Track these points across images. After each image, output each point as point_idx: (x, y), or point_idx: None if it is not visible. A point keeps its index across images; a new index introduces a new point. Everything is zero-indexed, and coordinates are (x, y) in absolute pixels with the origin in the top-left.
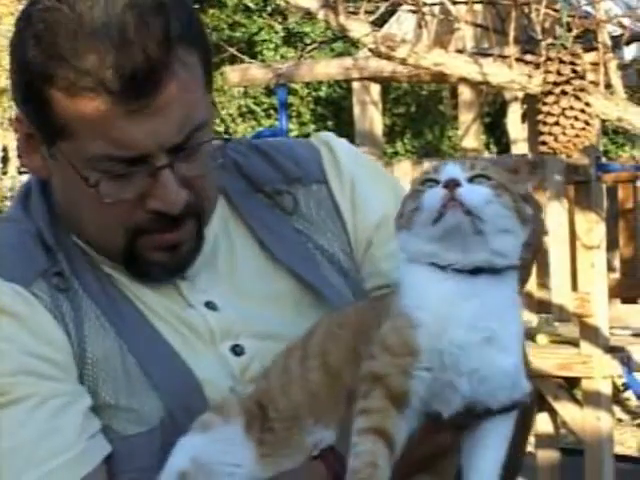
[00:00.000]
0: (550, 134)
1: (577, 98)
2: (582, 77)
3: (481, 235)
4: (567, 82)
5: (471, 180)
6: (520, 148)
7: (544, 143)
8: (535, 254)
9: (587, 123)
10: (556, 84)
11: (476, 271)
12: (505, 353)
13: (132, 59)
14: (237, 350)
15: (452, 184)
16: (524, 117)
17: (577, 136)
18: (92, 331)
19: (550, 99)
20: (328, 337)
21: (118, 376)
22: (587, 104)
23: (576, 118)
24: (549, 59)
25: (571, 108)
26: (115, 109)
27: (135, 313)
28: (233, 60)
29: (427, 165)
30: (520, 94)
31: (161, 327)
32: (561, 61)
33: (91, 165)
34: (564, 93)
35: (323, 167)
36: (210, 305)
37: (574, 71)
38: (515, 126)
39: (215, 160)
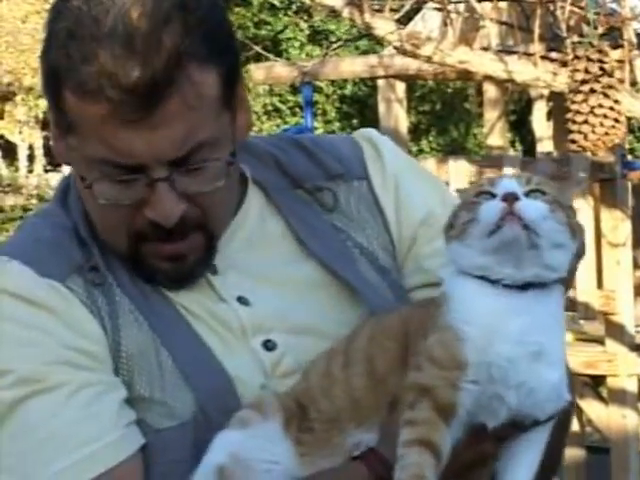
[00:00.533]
0: (579, 132)
1: (606, 96)
2: (610, 75)
3: (536, 249)
4: (595, 80)
5: (527, 194)
6: (545, 146)
7: (574, 141)
8: (579, 260)
9: (616, 120)
10: (584, 82)
11: (525, 286)
12: (552, 367)
13: (134, 71)
14: (269, 345)
15: (511, 198)
16: (549, 115)
17: (607, 134)
18: (127, 325)
19: (579, 97)
20: (373, 343)
21: (152, 370)
22: (616, 101)
23: (605, 116)
24: (576, 57)
25: (600, 106)
26: (113, 117)
27: (168, 307)
28: (258, 58)
29: (482, 178)
30: (546, 92)
31: (193, 322)
32: (589, 59)
33: (92, 166)
34: (592, 91)
35: (365, 163)
36: (242, 300)
37: (602, 69)
38: (540, 124)
39: (229, 177)
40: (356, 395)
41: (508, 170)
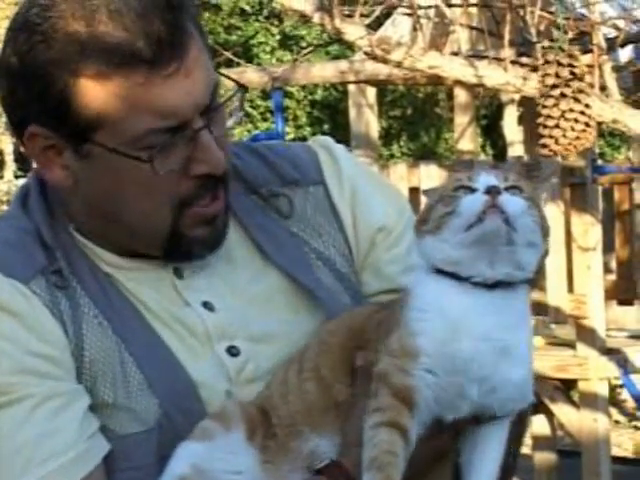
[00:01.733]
0: (551, 137)
1: (576, 100)
2: (580, 79)
3: (511, 246)
4: (566, 84)
5: (507, 190)
6: (516, 150)
7: (545, 146)
8: (544, 261)
9: (587, 125)
10: (555, 87)
11: (494, 285)
12: (517, 365)
13: (156, 26)
14: (233, 351)
15: (494, 191)
16: (520, 119)
17: (578, 138)
18: (90, 329)
19: (549, 102)
20: (321, 348)
21: (116, 375)
22: (587, 106)
23: (576, 120)
24: (547, 62)
25: (571, 110)
26: (152, 78)
27: (133, 312)
28: (229, 64)
29: (456, 174)
30: (516, 96)
31: (158, 326)
32: (559, 64)
33: (134, 145)
34: (563, 95)
35: (321, 168)
36: (207, 305)
37: (572, 73)
38: (511, 128)
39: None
40: (307, 400)
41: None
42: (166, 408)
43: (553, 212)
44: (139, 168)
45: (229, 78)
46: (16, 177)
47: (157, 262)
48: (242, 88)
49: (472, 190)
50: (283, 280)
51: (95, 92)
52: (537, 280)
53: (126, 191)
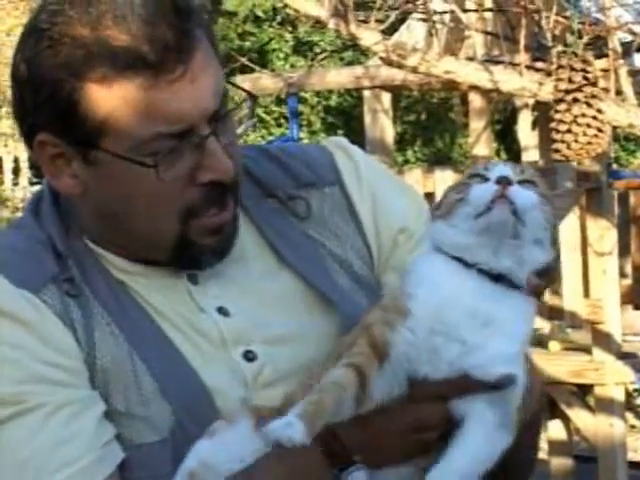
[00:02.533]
0: (563, 142)
1: (589, 105)
2: (594, 84)
3: (517, 239)
4: (579, 89)
5: (520, 183)
6: (531, 155)
7: (557, 151)
8: (549, 282)
9: (599, 130)
10: (568, 92)
11: (497, 278)
12: (503, 338)
13: (161, 31)
14: (249, 356)
15: (505, 181)
16: (534, 124)
17: (590, 143)
18: (102, 338)
19: (562, 107)
20: (347, 338)
21: (129, 384)
22: (599, 111)
23: (588, 125)
24: (560, 66)
25: (583, 115)
26: (157, 82)
27: (146, 319)
28: (244, 70)
29: (478, 162)
30: (531, 101)
31: (172, 333)
32: (572, 68)
33: (139, 151)
34: (576, 100)
35: (337, 169)
36: (222, 310)
37: (585, 78)
38: (526, 133)
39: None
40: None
41: None
42: (179, 416)
43: (569, 217)
44: (145, 174)
45: (239, 87)
46: (31, 184)
47: (171, 268)
48: (252, 96)
49: (485, 179)
50: (298, 282)
51: (101, 97)
52: (542, 291)
53: (133, 198)
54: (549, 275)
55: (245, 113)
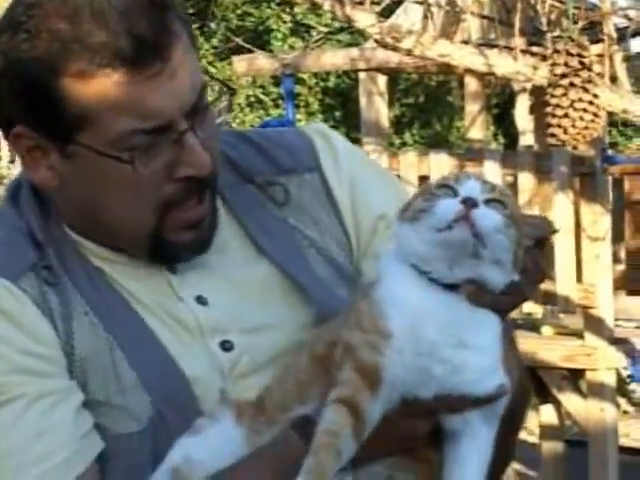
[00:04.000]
0: (559, 126)
1: (585, 90)
2: (589, 69)
3: (476, 259)
4: (575, 74)
5: (487, 202)
6: (528, 139)
7: (553, 135)
8: (518, 302)
9: (595, 115)
10: (564, 76)
11: (453, 286)
12: (479, 354)
13: (139, 26)
14: (226, 346)
15: (470, 202)
16: (532, 109)
17: (586, 128)
18: (81, 327)
19: (558, 91)
20: (321, 330)
21: (107, 373)
22: (595, 96)
23: (585, 110)
24: (556, 51)
25: (580, 100)
26: (135, 78)
27: (125, 307)
28: (241, 50)
29: (450, 173)
30: (528, 85)
31: (151, 322)
32: (568, 53)
33: (116, 146)
34: (572, 85)
35: (317, 155)
36: (200, 300)
37: (581, 63)
38: (523, 117)
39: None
40: (300, 375)
41: (489, 163)
42: (158, 405)
43: (563, 202)
44: (121, 169)
45: (217, 80)
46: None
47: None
48: (230, 89)
49: (454, 192)
50: (277, 272)
51: (78, 91)
52: (507, 311)
53: (109, 193)
54: (513, 296)
55: (224, 105)
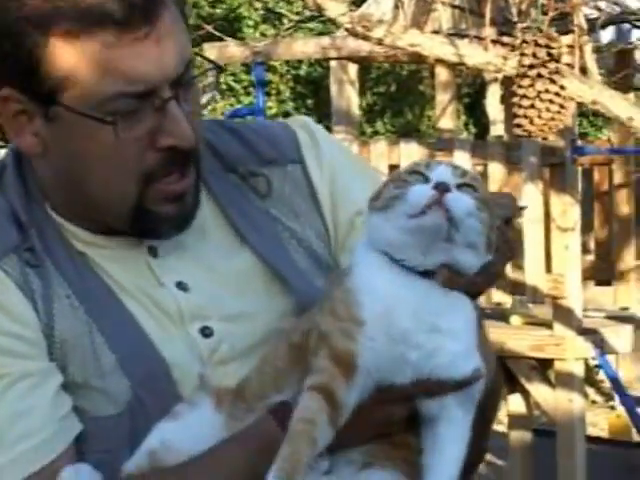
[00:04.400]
0: (525, 117)
1: (552, 81)
2: (557, 60)
3: (449, 243)
4: (542, 65)
5: (459, 187)
6: (499, 129)
7: (519, 126)
8: (492, 281)
9: (562, 106)
10: (532, 67)
11: (426, 273)
12: (452, 339)
13: None
14: (206, 332)
15: (442, 187)
16: (503, 99)
17: (552, 119)
18: (61, 310)
19: (525, 82)
20: (295, 322)
21: (87, 355)
22: (562, 87)
23: (551, 101)
24: (525, 42)
25: (546, 91)
26: (121, 40)
27: (106, 291)
28: (212, 37)
29: (420, 159)
30: (499, 75)
31: (132, 306)
32: (537, 44)
33: (99, 109)
34: (540, 76)
35: (299, 147)
36: (181, 285)
37: (549, 54)
38: (494, 107)
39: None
40: (278, 363)
41: (459, 153)
42: (137, 389)
43: (532, 192)
44: (103, 132)
45: (205, 58)
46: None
47: (132, 241)
48: (218, 67)
49: (425, 178)
50: (257, 261)
51: (64, 52)
52: (478, 293)
53: (91, 159)
54: (487, 276)
55: (210, 82)
